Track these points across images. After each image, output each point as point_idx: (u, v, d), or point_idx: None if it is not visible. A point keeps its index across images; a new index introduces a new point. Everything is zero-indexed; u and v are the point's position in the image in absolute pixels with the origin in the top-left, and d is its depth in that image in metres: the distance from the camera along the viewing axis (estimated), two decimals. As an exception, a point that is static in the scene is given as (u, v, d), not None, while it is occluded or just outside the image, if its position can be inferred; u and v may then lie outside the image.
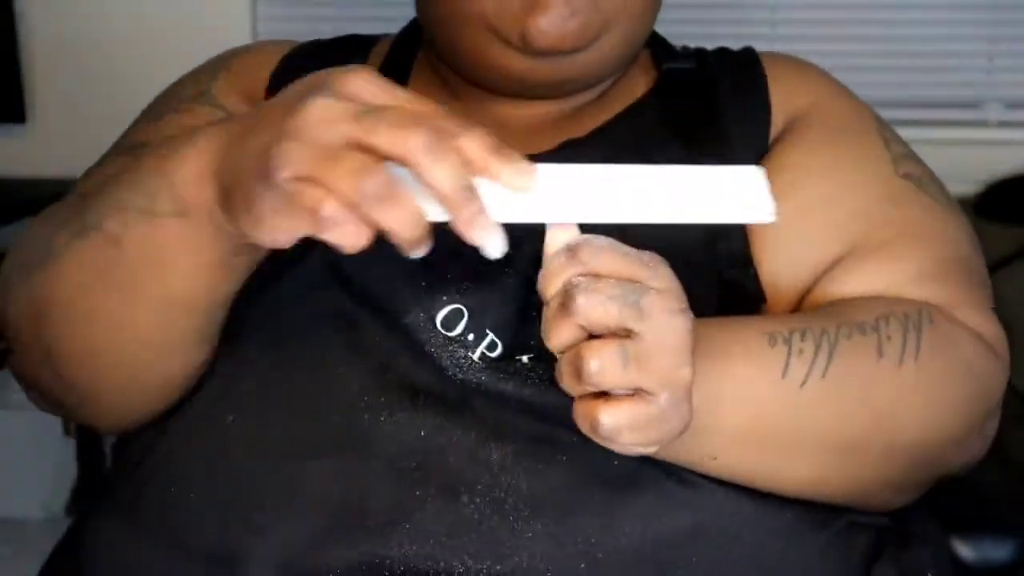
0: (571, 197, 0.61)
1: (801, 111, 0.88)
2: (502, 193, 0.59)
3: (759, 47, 0.96)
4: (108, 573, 0.76)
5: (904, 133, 0.93)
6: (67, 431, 2.33)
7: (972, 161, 2.07)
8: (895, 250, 0.82)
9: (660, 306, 0.61)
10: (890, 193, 0.85)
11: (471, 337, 0.76)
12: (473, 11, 0.83)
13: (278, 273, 0.79)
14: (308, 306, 0.78)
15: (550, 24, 0.81)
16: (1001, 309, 0.87)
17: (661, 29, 0.95)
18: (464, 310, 0.76)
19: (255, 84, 0.93)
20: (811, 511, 0.77)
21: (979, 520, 0.91)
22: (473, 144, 0.58)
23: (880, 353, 0.75)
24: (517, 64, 0.84)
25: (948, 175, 0.90)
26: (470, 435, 0.73)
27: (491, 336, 0.76)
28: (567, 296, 0.61)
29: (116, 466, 0.84)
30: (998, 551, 0.91)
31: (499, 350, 0.76)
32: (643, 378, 0.61)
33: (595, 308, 0.60)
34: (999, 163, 2.13)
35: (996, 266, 1.79)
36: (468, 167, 0.58)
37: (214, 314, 0.75)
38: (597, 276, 0.61)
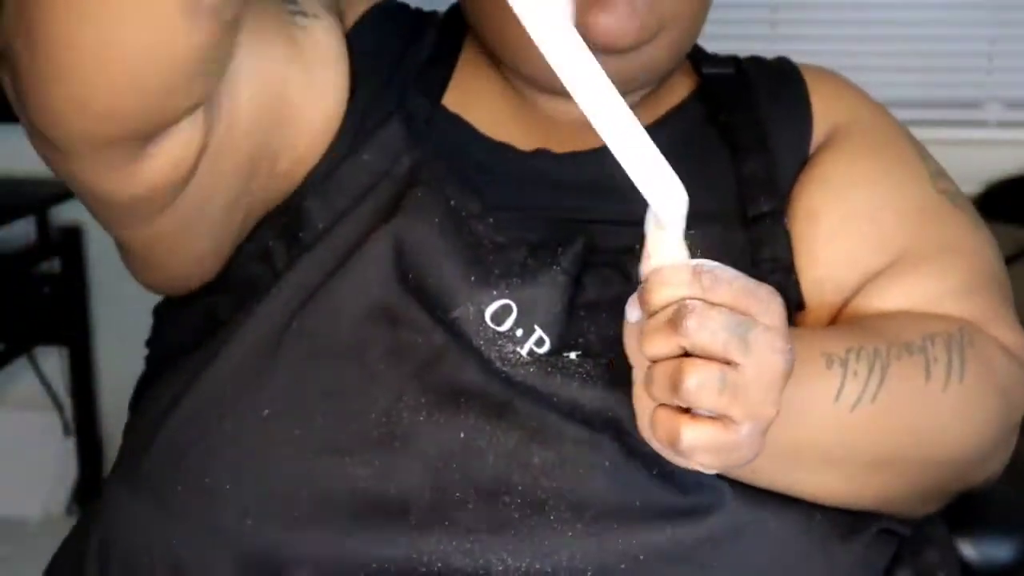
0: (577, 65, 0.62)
1: (842, 123, 0.89)
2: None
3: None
4: (140, 561, 0.76)
5: (905, 133, 0.93)
6: (67, 431, 2.33)
7: (972, 161, 2.07)
8: (935, 264, 0.84)
9: (765, 343, 0.62)
10: (930, 207, 0.86)
11: (520, 332, 0.76)
12: None
13: (341, 260, 0.79)
14: (355, 301, 0.78)
15: (614, 22, 0.81)
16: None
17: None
18: (513, 305, 0.77)
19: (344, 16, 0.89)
20: (842, 515, 0.78)
21: (981, 520, 0.91)
22: None
23: (928, 375, 0.77)
24: None
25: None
26: (512, 438, 0.74)
27: (539, 332, 0.76)
28: (678, 315, 0.61)
29: (136, 451, 0.81)
30: (999, 551, 0.91)
31: (547, 346, 0.76)
32: (733, 407, 0.62)
33: (704, 335, 0.61)
34: (999, 163, 2.13)
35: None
36: None
37: None
38: (711, 303, 0.62)
